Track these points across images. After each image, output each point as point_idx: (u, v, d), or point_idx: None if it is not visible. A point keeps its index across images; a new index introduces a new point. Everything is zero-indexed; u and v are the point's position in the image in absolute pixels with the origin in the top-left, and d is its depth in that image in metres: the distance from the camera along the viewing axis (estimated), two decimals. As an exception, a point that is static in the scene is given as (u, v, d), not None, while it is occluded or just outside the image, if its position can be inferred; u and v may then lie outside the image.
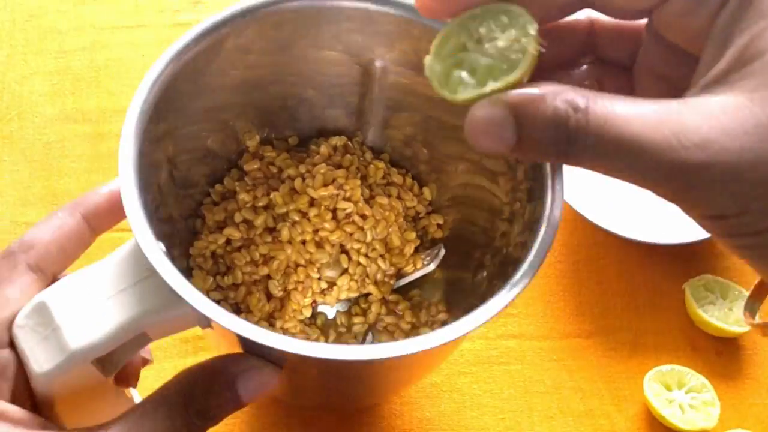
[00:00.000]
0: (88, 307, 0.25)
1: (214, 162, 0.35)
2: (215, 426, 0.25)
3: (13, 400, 0.25)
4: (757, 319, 0.21)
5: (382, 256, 0.36)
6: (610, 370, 0.42)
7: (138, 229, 0.24)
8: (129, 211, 0.24)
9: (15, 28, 0.51)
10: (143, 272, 0.26)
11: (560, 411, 0.41)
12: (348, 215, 0.35)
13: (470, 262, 0.35)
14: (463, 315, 0.24)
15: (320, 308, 0.37)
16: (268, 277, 0.34)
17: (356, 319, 0.36)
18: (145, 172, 0.26)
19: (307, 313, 0.35)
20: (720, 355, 0.43)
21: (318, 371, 0.29)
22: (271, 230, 0.35)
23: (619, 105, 0.20)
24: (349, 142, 0.37)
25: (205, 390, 0.25)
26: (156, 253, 0.24)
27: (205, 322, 0.26)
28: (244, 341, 0.25)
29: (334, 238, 0.35)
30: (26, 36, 0.51)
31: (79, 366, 0.25)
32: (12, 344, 0.26)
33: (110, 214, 0.28)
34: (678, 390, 0.41)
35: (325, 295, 0.36)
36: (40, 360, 0.25)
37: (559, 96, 0.21)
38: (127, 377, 0.31)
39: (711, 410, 0.40)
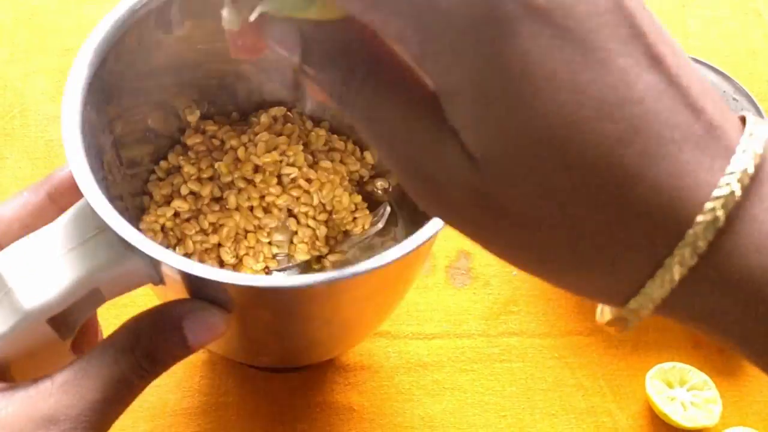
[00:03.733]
0: (38, 268, 0.25)
1: (157, 140, 0.35)
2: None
3: None
4: (605, 317, 0.20)
5: (329, 218, 0.37)
6: (612, 367, 0.42)
7: (85, 186, 0.24)
8: (75, 170, 0.25)
9: (17, 27, 0.51)
10: (92, 230, 0.26)
11: (562, 408, 0.41)
12: (293, 180, 0.36)
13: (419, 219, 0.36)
14: None
15: (276, 275, 0.38)
16: (220, 245, 0.35)
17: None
18: (93, 150, 0.27)
19: None
20: (722, 353, 0.43)
21: (268, 312, 0.30)
22: (218, 199, 0.35)
23: None
24: (289, 113, 0.38)
25: (150, 331, 0.25)
26: (105, 206, 0.24)
27: (157, 277, 0.26)
28: (194, 286, 0.25)
29: (280, 202, 0.35)
30: (28, 34, 0.51)
31: (33, 327, 0.25)
32: None
33: (74, 189, 0.28)
34: (680, 387, 0.41)
35: (278, 260, 0.36)
36: None
37: None
38: (84, 344, 0.31)
39: (713, 408, 0.40)
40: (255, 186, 0.35)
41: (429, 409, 0.41)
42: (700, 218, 0.17)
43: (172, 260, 0.24)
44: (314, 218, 0.36)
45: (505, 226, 0.18)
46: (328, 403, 0.41)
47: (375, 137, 0.19)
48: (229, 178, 0.35)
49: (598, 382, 0.42)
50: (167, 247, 0.35)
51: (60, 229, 0.26)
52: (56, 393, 0.24)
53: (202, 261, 0.34)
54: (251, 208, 0.35)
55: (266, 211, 0.35)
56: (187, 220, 0.35)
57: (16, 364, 0.26)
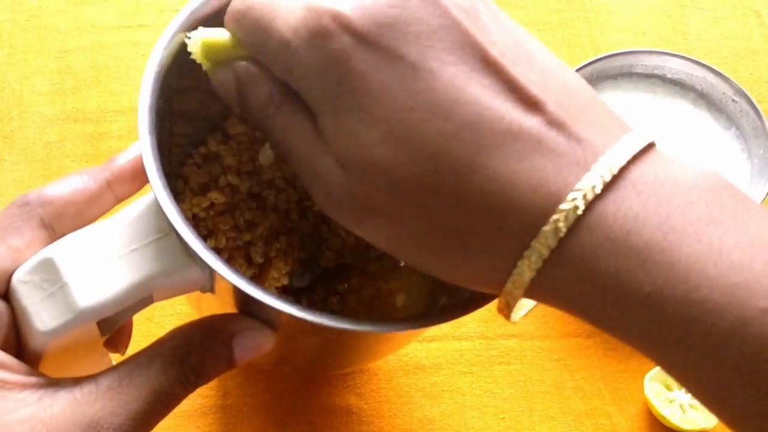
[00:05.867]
0: (98, 266, 0.24)
1: (194, 121, 0.34)
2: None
3: (2, 349, 0.25)
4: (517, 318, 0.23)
5: None
6: (611, 369, 0.42)
7: (157, 188, 0.23)
8: (149, 169, 0.24)
9: (15, 28, 0.51)
10: (156, 232, 0.25)
11: (561, 411, 0.41)
12: None
13: None
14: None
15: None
16: (250, 243, 0.34)
17: (337, 287, 0.37)
18: (158, 131, 0.26)
19: (285, 280, 0.35)
20: (721, 355, 0.43)
21: (318, 338, 0.29)
22: (255, 196, 0.34)
23: None
24: None
25: (202, 347, 0.25)
26: (175, 212, 0.23)
27: (209, 287, 0.26)
28: (245, 302, 0.24)
29: (317, 207, 0.34)
30: (27, 36, 0.51)
31: (84, 325, 0.25)
32: (6, 296, 0.25)
33: (134, 179, 0.28)
34: (678, 390, 0.41)
35: (302, 264, 0.36)
36: (44, 317, 0.24)
37: None
38: (118, 341, 0.31)
39: (712, 410, 0.40)
40: (295, 189, 0.34)
41: (427, 412, 0.41)
42: (554, 216, 0.19)
43: (242, 284, 0.23)
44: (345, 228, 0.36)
45: (380, 223, 0.21)
46: (327, 405, 0.41)
47: (285, 152, 0.23)
48: (270, 176, 0.34)
49: (596, 384, 0.42)
50: (196, 237, 0.34)
51: (123, 225, 0.25)
52: (101, 398, 0.24)
53: (231, 258, 0.33)
54: (287, 211, 0.34)
55: (302, 215, 0.35)
56: (221, 213, 0.34)
57: (49, 356, 0.26)
